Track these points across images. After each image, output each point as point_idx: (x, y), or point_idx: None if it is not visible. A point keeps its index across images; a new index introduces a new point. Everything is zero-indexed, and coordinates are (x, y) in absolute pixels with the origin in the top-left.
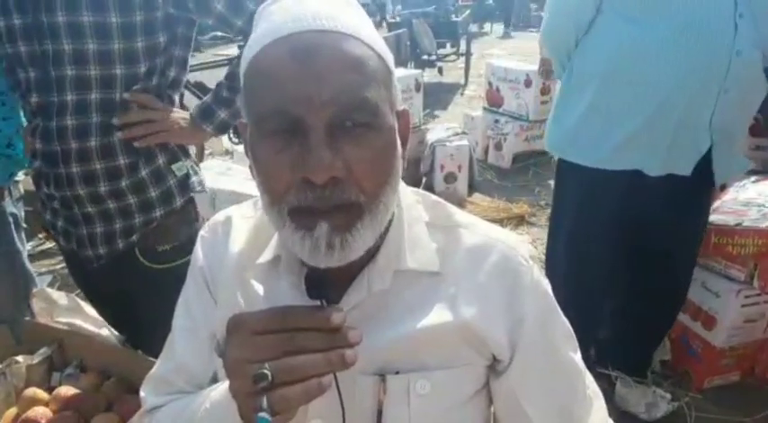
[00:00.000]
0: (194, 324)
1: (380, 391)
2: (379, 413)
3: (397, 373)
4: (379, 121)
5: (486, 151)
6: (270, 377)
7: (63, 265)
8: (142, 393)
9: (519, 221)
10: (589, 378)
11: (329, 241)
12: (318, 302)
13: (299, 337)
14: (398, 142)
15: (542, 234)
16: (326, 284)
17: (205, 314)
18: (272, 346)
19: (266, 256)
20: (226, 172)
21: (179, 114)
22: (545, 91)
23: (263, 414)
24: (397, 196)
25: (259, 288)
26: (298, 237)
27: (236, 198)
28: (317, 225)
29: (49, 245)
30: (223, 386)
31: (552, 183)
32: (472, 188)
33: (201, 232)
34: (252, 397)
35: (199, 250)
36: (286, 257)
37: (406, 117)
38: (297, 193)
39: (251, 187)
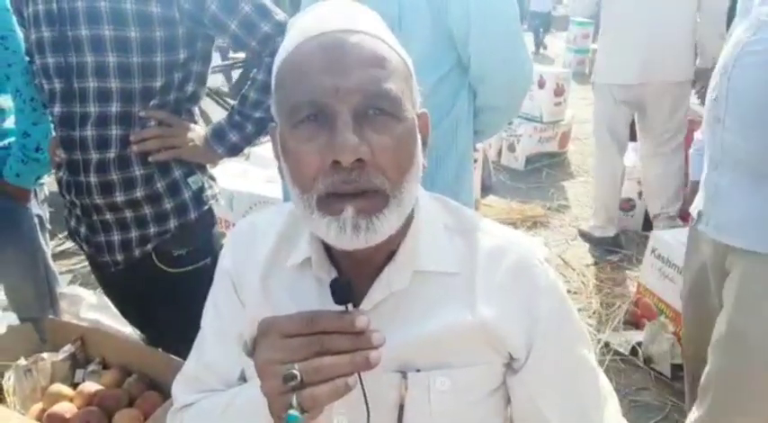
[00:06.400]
0: (223, 325)
1: (402, 388)
2: (401, 408)
3: (418, 370)
4: (401, 111)
5: (499, 153)
6: (299, 377)
7: (83, 264)
8: (174, 391)
9: (533, 223)
10: (602, 377)
11: (355, 224)
12: (344, 307)
13: (326, 340)
14: (419, 138)
15: (556, 236)
16: (351, 286)
17: (233, 315)
18: (300, 348)
19: (296, 258)
20: (243, 174)
21: (195, 132)
22: (559, 92)
23: (293, 412)
24: (418, 189)
25: (286, 290)
26: (325, 222)
27: (254, 199)
28: (344, 209)
29: (69, 245)
30: (253, 384)
31: (566, 185)
32: (485, 190)
33: (228, 238)
34: (282, 396)
35: (225, 255)
36: (316, 259)
37: (425, 119)
38: (325, 179)
39: (268, 189)
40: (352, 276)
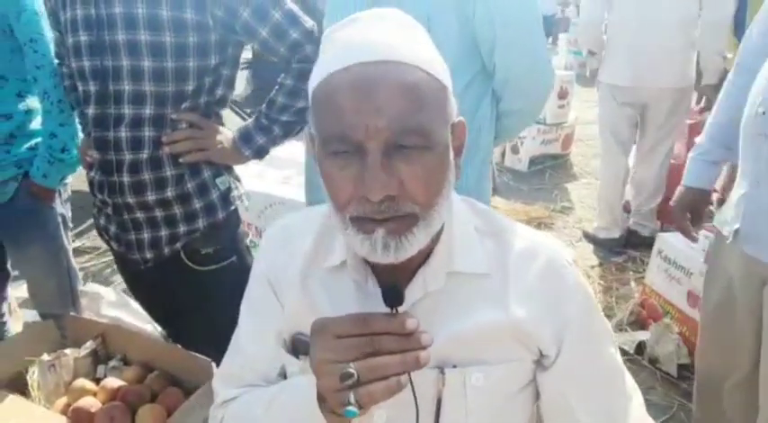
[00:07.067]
0: (261, 323)
1: (440, 383)
2: (439, 403)
3: (455, 366)
4: (432, 141)
5: (502, 154)
6: (356, 376)
7: (93, 263)
8: (214, 386)
9: (537, 225)
10: (628, 375)
11: (385, 243)
12: (390, 310)
13: (377, 341)
14: (451, 155)
15: (560, 237)
16: (401, 292)
17: (271, 314)
18: (354, 349)
19: (333, 260)
20: (258, 175)
21: (223, 135)
22: (563, 95)
23: (351, 408)
24: (449, 203)
25: (324, 290)
26: (358, 239)
27: (270, 200)
28: (375, 231)
29: (81, 243)
30: (297, 381)
31: (569, 186)
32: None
33: (262, 242)
34: (340, 393)
35: (260, 259)
36: (351, 262)
37: (460, 128)
38: (356, 206)
39: (283, 190)
40: (387, 278)
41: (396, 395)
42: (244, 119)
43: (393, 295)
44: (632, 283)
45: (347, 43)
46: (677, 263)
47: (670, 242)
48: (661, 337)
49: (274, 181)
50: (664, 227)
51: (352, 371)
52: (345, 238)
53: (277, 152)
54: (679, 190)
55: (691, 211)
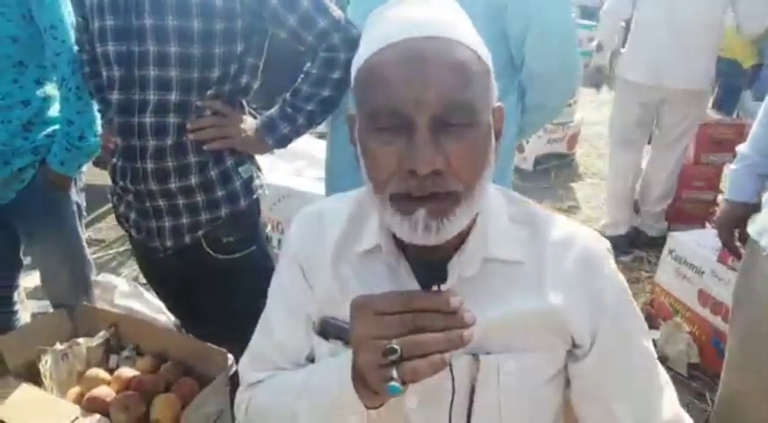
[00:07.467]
0: (291, 306)
1: (474, 369)
2: (473, 389)
3: (488, 353)
4: (477, 119)
5: None
6: (399, 351)
7: (99, 254)
8: (241, 371)
9: None
10: (661, 368)
11: (426, 224)
12: (431, 288)
13: (420, 318)
14: (493, 138)
15: None
16: (444, 267)
17: (301, 297)
18: (398, 325)
19: (365, 244)
20: (269, 167)
21: (247, 124)
22: None
23: (394, 383)
24: (489, 185)
25: (355, 274)
26: (397, 219)
27: (282, 192)
28: (416, 210)
29: (88, 234)
30: (326, 365)
31: (574, 186)
32: None
33: (294, 223)
34: (382, 369)
35: (292, 240)
36: (387, 246)
37: (500, 113)
38: (399, 182)
39: (295, 182)
40: (421, 264)
41: (430, 378)
42: (252, 115)
43: (436, 272)
44: (640, 283)
45: (396, 20)
46: (688, 262)
47: (681, 241)
48: (671, 337)
49: (286, 173)
50: (671, 227)
51: (395, 346)
52: (384, 220)
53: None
54: (723, 205)
55: (738, 226)
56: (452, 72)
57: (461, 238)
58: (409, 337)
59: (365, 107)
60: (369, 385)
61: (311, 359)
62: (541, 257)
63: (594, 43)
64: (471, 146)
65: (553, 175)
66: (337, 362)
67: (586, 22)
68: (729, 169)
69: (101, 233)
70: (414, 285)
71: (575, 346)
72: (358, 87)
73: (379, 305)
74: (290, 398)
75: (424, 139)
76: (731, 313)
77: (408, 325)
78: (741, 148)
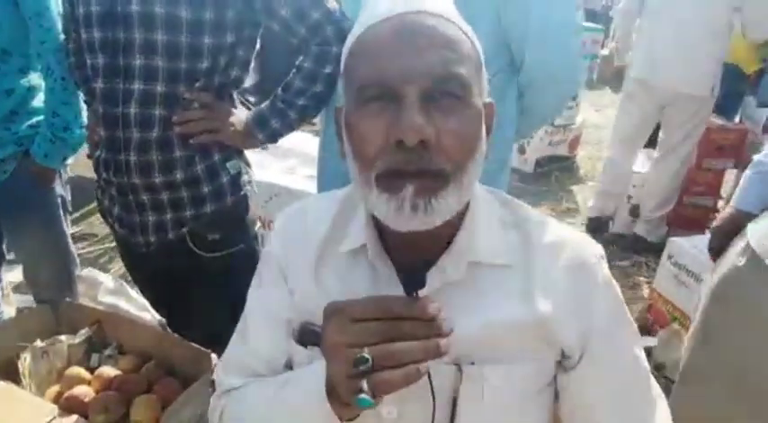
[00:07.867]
0: (269, 311)
1: (457, 380)
2: (454, 401)
3: (473, 363)
4: (469, 96)
5: None
6: (371, 361)
7: (89, 249)
8: (216, 376)
9: None
10: (653, 380)
11: (414, 203)
12: (412, 294)
13: (397, 325)
14: (484, 128)
15: None
16: (424, 273)
17: (280, 301)
18: (371, 333)
19: (350, 244)
20: (260, 164)
21: (236, 117)
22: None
23: (364, 396)
24: (479, 174)
25: (338, 276)
26: (383, 199)
27: (274, 190)
28: (404, 187)
29: (75, 229)
30: (303, 373)
31: (575, 189)
32: None
33: (277, 223)
34: (352, 379)
35: (274, 240)
36: (372, 246)
37: (491, 109)
38: (387, 157)
39: (287, 180)
40: (405, 265)
41: (410, 388)
42: (248, 108)
43: (414, 278)
44: (638, 288)
45: (390, 1)
46: (688, 268)
47: (681, 247)
48: (668, 344)
49: (277, 171)
50: (672, 231)
51: (366, 356)
52: (369, 204)
53: (279, 141)
54: (729, 213)
55: (734, 236)
56: (445, 47)
57: (448, 240)
58: (382, 346)
59: (354, 82)
60: (340, 396)
61: (290, 366)
62: (531, 263)
63: (613, 44)
64: (461, 123)
65: (554, 177)
66: (312, 371)
67: (592, 25)
68: (743, 176)
69: (92, 227)
70: (398, 290)
71: (564, 356)
72: (348, 65)
73: (352, 311)
74: (264, 408)
75: (412, 108)
76: (699, 331)
77: (384, 333)
78: (758, 157)
